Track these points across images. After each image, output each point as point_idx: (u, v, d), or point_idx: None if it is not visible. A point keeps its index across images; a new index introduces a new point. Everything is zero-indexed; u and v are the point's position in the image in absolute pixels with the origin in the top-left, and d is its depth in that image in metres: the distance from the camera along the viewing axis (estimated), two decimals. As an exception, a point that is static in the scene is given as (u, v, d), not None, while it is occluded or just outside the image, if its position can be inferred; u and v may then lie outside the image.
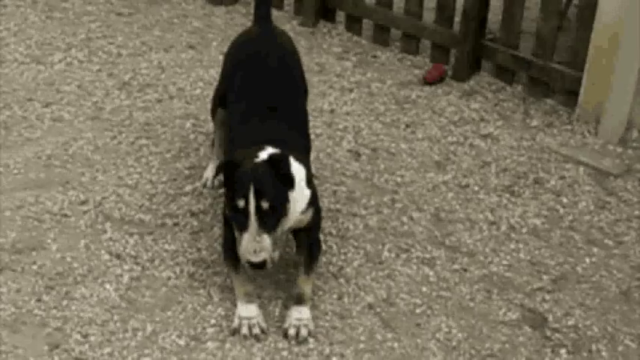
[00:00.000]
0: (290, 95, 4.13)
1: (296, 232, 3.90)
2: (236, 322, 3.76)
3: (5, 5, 6.32)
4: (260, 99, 4.04)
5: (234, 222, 3.65)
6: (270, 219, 3.55)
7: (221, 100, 4.29)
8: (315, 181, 4.56)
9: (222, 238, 3.96)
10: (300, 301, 3.80)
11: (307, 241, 3.88)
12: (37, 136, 4.92)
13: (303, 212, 3.78)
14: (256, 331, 3.73)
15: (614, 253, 4.32)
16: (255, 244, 3.52)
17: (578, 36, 5.20)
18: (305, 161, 3.90)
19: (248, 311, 3.77)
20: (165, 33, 6.08)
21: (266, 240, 3.53)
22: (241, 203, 3.53)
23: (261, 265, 3.56)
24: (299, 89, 4.27)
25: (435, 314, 3.91)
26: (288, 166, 3.64)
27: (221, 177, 3.82)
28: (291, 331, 3.74)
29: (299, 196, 3.73)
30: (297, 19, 6.27)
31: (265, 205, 3.52)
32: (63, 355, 3.60)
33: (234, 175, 3.62)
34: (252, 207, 3.52)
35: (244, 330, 3.73)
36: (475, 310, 3.95)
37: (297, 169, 3.72)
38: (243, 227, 3.55)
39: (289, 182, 3.64)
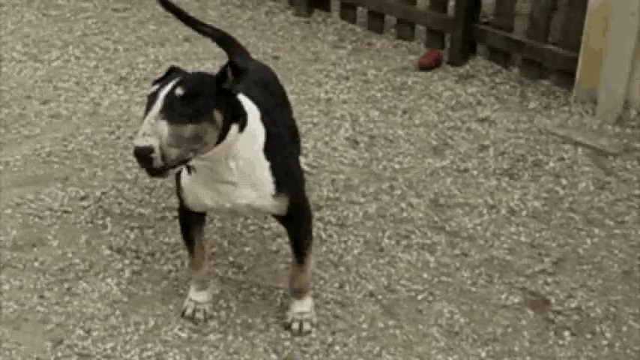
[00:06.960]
0: (276, 101, 3.79)
1: (281, 221, 3.59)
2: (186, 302, 3.79)
3: (1, 4, 6.34)
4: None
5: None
6: (180, 109, 2.95)
7: None
8: (313, 170, 4.59)
9: (179, 217, 3.73)
10: (299, 295, 3.72)
11: (292, 234, 3.60)
12: (36, 133, 4.92)
13: (273, 195, 3.35)
14: (199, 316, 3.75)
15: (614, 233, 4.32)
16: (148, 126, 2.90)
17: (572, 16, 5.19)
18: (286, 144, 3.49)
19: (198, 296, 3.78)
20: (160, 27, 6.08)
21: (162, 126, 2.91)
22: (156, 86, 3.05)
23: (144, 155, 2.89)
24: (286, 102, 3.98)
25: (436, 300, 3.91)
26: (235, 79, 3.09)
27: None
28: (295, 326, 3.71)
29: (254, 159, 3.28)
30: (292, 9, 6.27)
31: (179, 91, 2.97)
32: (66, 350, 3.60)
33: None
34: (165, 91, 2.98)
35: (189, 311, 3.76)
36: (476, 295, 3.95)
37: (257, 129, 3.28)
38: (147, 111, 2.99)
39: (229, 97, 3.12)
